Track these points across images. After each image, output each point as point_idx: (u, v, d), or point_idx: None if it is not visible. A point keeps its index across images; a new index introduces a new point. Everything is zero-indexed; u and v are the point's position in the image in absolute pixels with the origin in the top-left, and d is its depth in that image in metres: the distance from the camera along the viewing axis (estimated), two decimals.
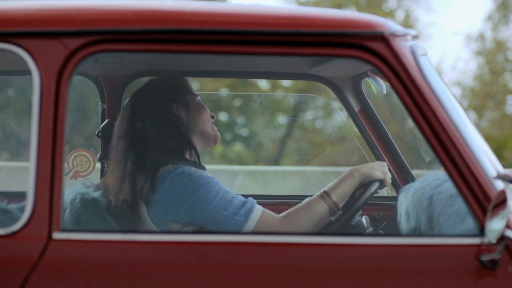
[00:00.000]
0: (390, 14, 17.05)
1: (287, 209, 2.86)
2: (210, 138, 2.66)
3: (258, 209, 2.44)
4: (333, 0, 16.94)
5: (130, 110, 2.59)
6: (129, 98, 2.66)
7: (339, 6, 16.59)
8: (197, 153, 2.58)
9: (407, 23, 17.01)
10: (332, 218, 2.49)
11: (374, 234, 2.67)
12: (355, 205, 2.50)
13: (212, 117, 2.69)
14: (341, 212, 2.50)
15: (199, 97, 2.69)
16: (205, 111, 2.66)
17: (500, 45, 17.12)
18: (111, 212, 2.51)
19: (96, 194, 2.53)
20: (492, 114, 17.04)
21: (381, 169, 2.56)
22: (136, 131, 2.53)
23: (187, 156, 2.55)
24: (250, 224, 2.40)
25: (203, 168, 2.59)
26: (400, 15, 17.60)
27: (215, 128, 2.68)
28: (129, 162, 2.50)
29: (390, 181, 2.59)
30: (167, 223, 2.44)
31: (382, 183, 2.56)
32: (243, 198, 2.45)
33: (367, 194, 2.51)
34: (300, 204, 2.51)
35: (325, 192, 2.51)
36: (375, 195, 2.58)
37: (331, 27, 2.07)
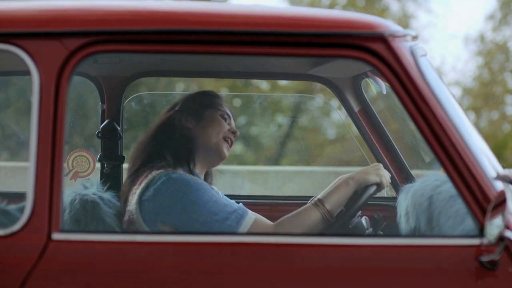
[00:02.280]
0: (387, 13, 17.04)
1: (287, 210, 2.87)
2: (214, 155, 2.66)
3: (251, 217, 2.44)
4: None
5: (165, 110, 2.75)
6: None
7: (336, 6, 16.59)
8: (194, 165, 2.61)
9: (405, 22, 17.00)
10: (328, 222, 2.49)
11: (374, 235, 2.67)
12: (351, 209, 2.49)
13: (233, 133, 2.68)
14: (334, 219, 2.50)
15: (224, 113, 2.70)
16: (218, 127, 2.66)
17: (500, 45, 17.12)
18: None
19: (96, 196, 2.54)
20: (491, 114, 17.05)
21: (376, 172, 2.54)
22: (148, 132, 2.68)
23: (191, 166, 2.59)
24: (242, 231, 2.40)
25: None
26: (399, 13, 17.60)
27: (226, 146, 2.67)
28: (136, 160, 2.63)
29: (388, 182, 2.57)
30: (157, 224, 2.44)
31: (379, 186, 2.54)
32: (236, 206, 2.45)
33: (364, 198, 2.50)
34: (294, 212, 2.50)
35: (319, 200, 2.50)
36: (374, 195, 2.57)
37: (331, 27, 2.07)
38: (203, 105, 2.70)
